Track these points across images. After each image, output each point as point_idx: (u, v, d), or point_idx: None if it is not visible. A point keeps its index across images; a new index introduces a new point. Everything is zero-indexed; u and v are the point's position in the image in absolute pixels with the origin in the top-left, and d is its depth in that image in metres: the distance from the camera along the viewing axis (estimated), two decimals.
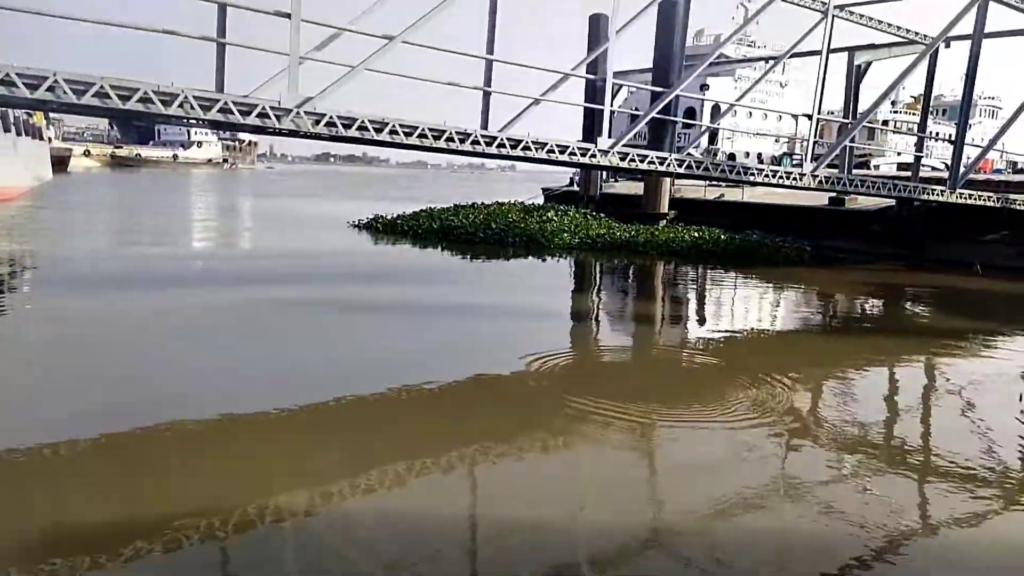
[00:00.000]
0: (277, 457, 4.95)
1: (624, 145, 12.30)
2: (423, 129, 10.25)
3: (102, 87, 7.90)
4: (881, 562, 3.83)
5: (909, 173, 20.26)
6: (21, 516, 3.99)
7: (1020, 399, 7.09)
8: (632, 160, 12.62)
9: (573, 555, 3.87)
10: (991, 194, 18.22)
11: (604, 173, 25.61)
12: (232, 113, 8.76)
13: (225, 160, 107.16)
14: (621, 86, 14.98)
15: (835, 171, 16.92)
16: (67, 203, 29.32)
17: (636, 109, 13.25)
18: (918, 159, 19.55)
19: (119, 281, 11.96)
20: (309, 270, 14.24)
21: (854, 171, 19.63)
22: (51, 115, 53.17)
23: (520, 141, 11.25)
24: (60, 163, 59.63)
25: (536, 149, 11.44)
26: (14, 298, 10.43)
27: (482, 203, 23.34)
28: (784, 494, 4.67)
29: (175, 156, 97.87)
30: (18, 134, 32.10)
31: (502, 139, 11.06)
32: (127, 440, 5.06)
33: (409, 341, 8.54)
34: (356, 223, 22.13)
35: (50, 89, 7.67)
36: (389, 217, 21.80)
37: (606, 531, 4.07)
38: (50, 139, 52.78)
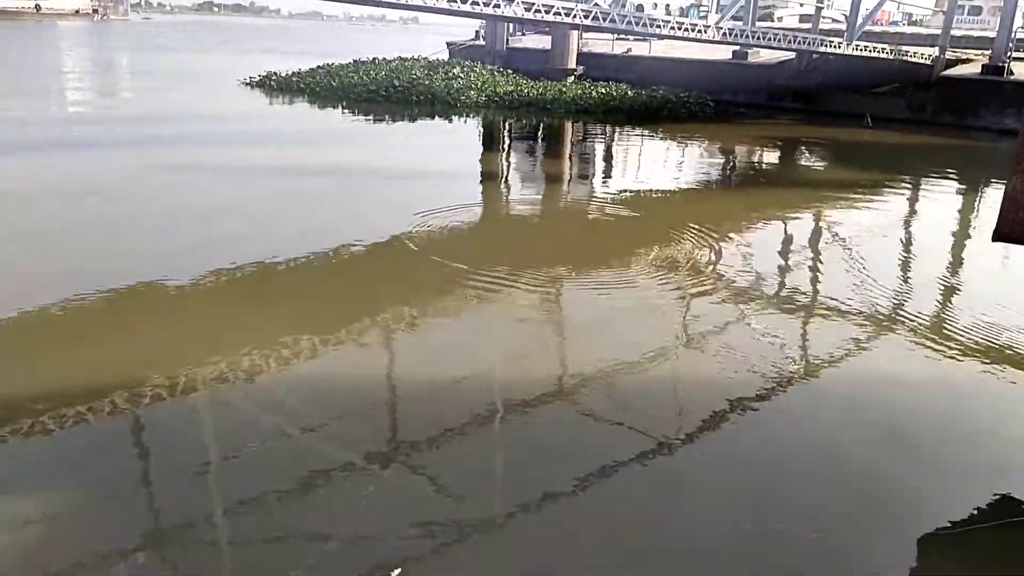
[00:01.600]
0: (183, 331, 4.87)
1: None
2: None
3: None
4: (765, 399, 4.20)
5: (810, 25, 20.49)
6: None
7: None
8: (537, 11, 12.21)
9: (474, 406, 4.05)
10: (885, 46, 18.72)
11: (511, 26, 24.70)
12: None
13: (95, 11, 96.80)
14: None
15: (739, 24, 16.90)
16: None
17: None
18: (819, 11, 19.72)
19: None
20: (198, 133, 13.42)
21: (758, 24, 19.63)
22: None
23: None
24: None
25: None
26: None
27: (383, 59, 22.26)
28: (683, 341, 4.98)
29: (37, 7, 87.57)
30: None
31: None
32: (38, 311, 4.85)
33: (310, 208, 8.34)
34: (247, 80, 20.80)
35: None
36: (284, 74, 20.56)
37: (505, 385, 4.27)
38: None
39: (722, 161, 13.58)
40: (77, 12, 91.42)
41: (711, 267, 6.63)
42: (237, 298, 5.48)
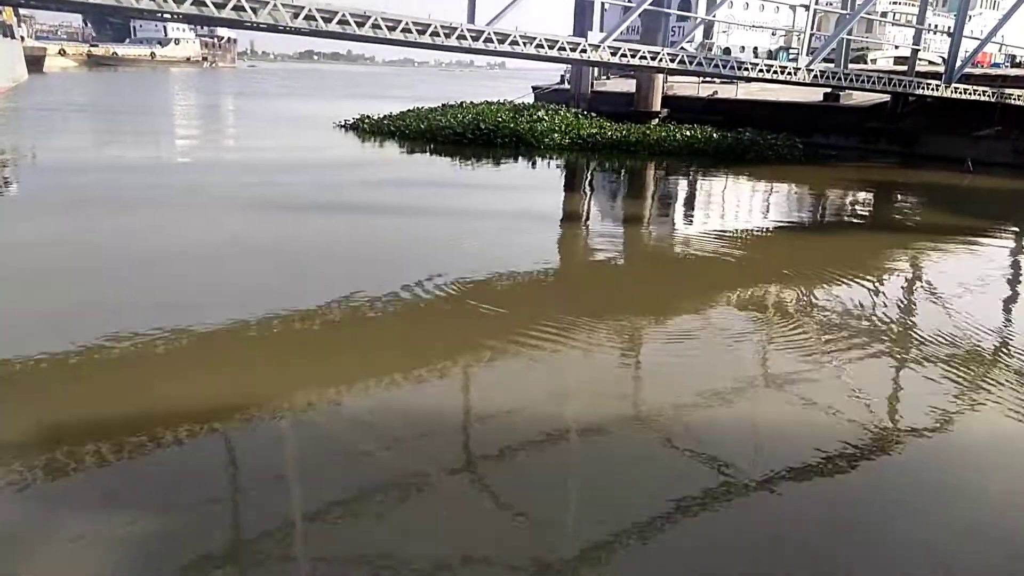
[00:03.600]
0: (276, 361, 5.04)
1: (615, 39, 11.96)
2: (407, 23, 9.91)
3: None
4: (850, 454, 3.99)
5: (906, 68, 19.86)
6: (29, 414, 4.09)
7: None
8: (623, 55, 12.30)
9: (552, 434, 4.01)
10: (987, 89, 17.94)
11: (595, 70, 24.98)
12: (207, 5, 8.43)
13: (204, 58, 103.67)
14: None
15: (831, 66, 16.56)
16: (46, 103, 28.49)
17: (629, 2, 12.74)
18: (915, 52, 19.12)
19: (98, 183, 11.79)
20: (295, 171, 14.04)
21: (850, 66, 19.18)
22: (21, 12, 50.97)
23: (508, 36, 10.92)
24: (35, 63, 57.73)
25: (524, 44, 11.13)
26: None
27: (470, 102, 22.83)
28: (765, 385, 4.81)
29: (152, 54, 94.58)
30: None
31: (489, 33, 10.73)
32: (129, 341, 5.13)
33: (394, 245, 8.55)
34: (342, 123, 21.69)
35: None
36: (375, 117, 21.34)
37: (587, 418, 4.21)
38: (22, 38, 50.79)
39: (812, 204, 13.21)
40: (188, 59, 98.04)
41: (798, 312, 6.41)
42: (330, 330, 5.63)
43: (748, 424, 4.29)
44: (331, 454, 3.76)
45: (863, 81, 16.55)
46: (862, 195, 14.24)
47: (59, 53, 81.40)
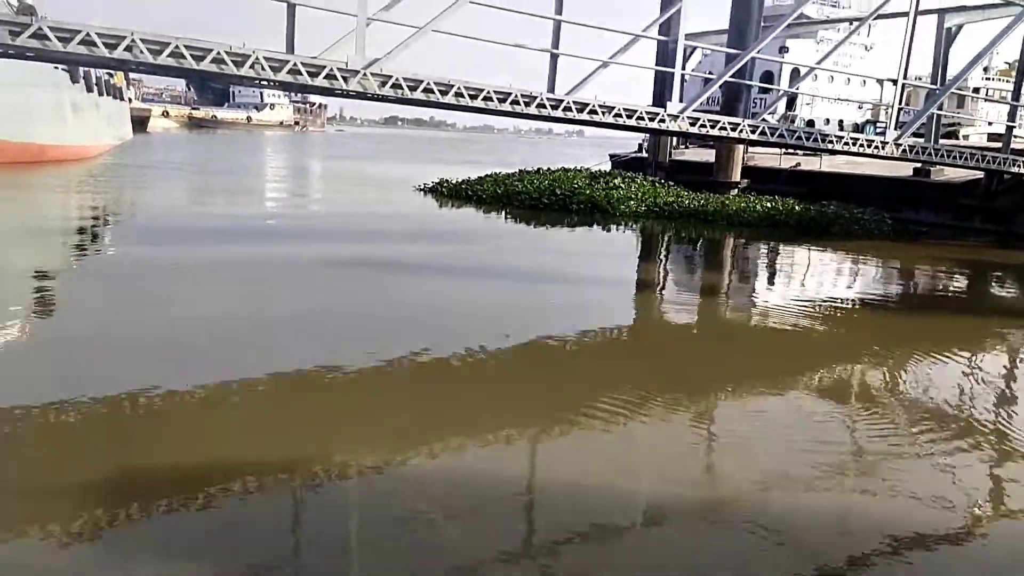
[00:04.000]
0: (348, 412, 5.01)
1: (695, 110, 11.92)
2: (488, 91, 10.11)
3: (177, 47, 8.03)
4: (933, 546, 3.63)
5: (1000, 144, 19.12)
6: (106, 458, 4.15)
7: None
8: (703, 125, 12.22)
9: (630, 516, 3.79)
10: None
11: (674, 139, 24.98)
12: (301, 74, 8.81)
13: (296, 123, 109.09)
14: (694, 48, 14.47)
15: (920, 140, 16.07)
16: (147, 161, 30.33)
17: (710, 73, 12.77)
18: (1010, 129, 18.37)
19: (193, 235, 12.32)
20: (375, 231, 14.37)
21: (941, 141, 18.58)
22: (131, 76, 54.91)
23: (587, 104, 11.01)
24: (140, 123, 61.87)
25: (603, 113, 11.19)
26: (97, 245, 10.86)
27: (547, 168, 23.10)
28: (854, 471, 4.47)
29: (249, 118, 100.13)
30: (100, 94, 33.28)
31: (568, 102, 10.84)
32: (207, 388, 5.20)
33: (467, 306, 8.53)
34: (422, 187, 22.23)
35: (128, 49, 7.82)
36: (454, 181, 21.79)
37: (664, 498, 3.98)
38: (130, 99, 54.61)
39: (900, 282, 12.65)
40: (281, 123, 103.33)
41: (884, 393, 6.02)
42: (398, 384, 5.59)
43: (829, 509, 3.97)
44: (394, 522, 3.65)
45: (955, 157, 15.96)
46: (955, 274, 13.57)
47: (162, 115, 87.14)
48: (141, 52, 7.90)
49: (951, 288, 12.47)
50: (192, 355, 6.11)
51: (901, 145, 14.43)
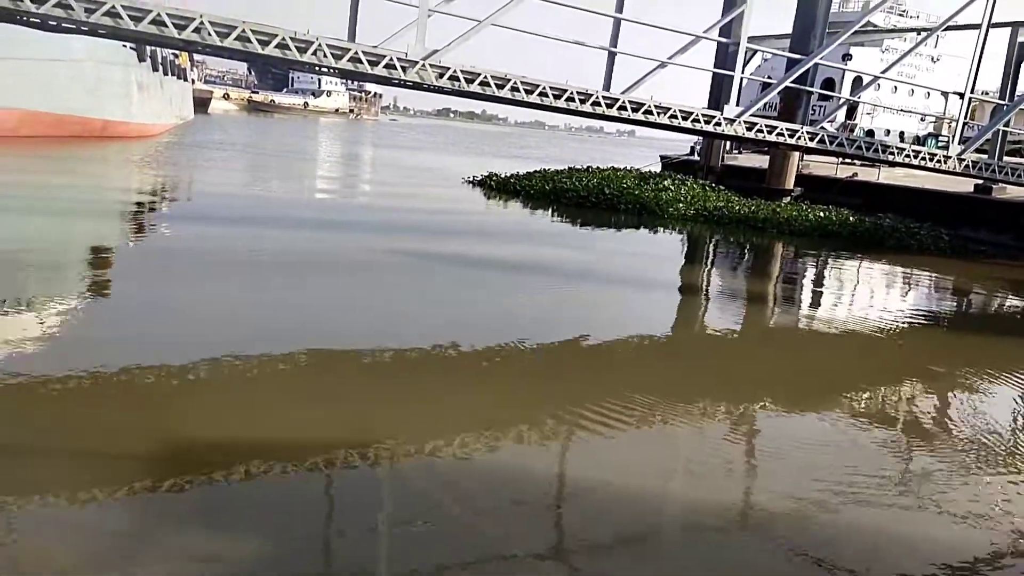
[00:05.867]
0: (384, 401, 5.12)
1: (752, 114, 11.78)
2: (544, 87, 10.15)
3: (243, 31, 8.23)
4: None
5: None
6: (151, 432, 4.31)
7: None
8: (760, 131, 12.08)
9: (655, 523, 3.80)
10: None
11: (728, 144, 24.66)
12: (361, 62, 8.96)
13: (351, 110, 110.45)
14: (755, 52, 14.30)
15: (984, 156, 15.62)
16: (206, 142, 31.09)
17: (769, 78, 12.59)
18: None
19: (245, 218, 12.63)
20: (423, 223, 14.53)
21: (1006, 158, 18.00)
22: (194, 57, 56.30)
23: (642, 104, 10.97)
24: (201, 104, 63.36)
25: (658, 114, 11.14)
26: (154, 220, 11.21)
27: (597, 167, 23.03)
28: (886, 491, 4.40)
29: (306, 104, 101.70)
30: (165, 74, 34.20)
31: (624, 101, 10.82)
32: (243, 369, 5.36)
33: (512, 302, 8.59)
34: (471, 179, 22.36)
35: (196, 30, 8.06)
36: (503, 175, 21.85)
37: (695, 506, 3.97)
38: (193, 81, 55.97)
39: (954, 301, 12.32)
40: (336, 111, 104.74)
41: (928, 416, 5.90)
42: (435, 373, 5.68)
43: (867, 530, 3.92)
44: (424, 507, 3.72)
45: (1019, 175, 15.48)
46: (1012, 297, 13.15)
47: (223, 97, 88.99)
48: (209, 34, 8.13)
49: (1006, 309, 12.10)
50: (238, 333, 6.27)
51: (964, 160, 14.07)
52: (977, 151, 15.15)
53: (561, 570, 3.35)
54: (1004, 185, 17.96)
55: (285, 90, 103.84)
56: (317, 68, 9.43)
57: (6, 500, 3.41)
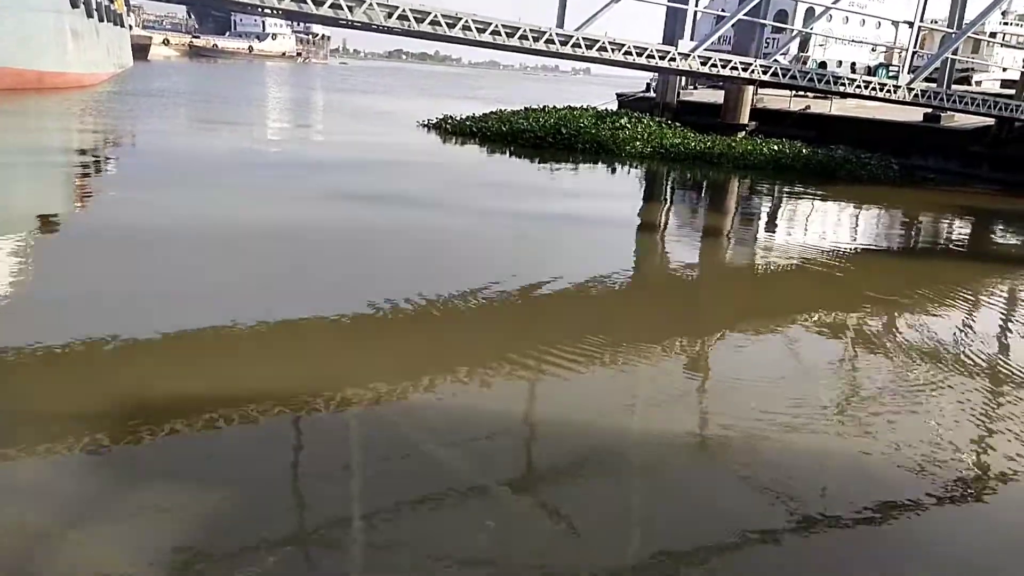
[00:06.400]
0: (354, 348, 5.12)
1: (707, 49, 11.73)
2: (496, 25, 9.95)
3: None
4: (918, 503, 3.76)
5: (1014, 91, 18.83)
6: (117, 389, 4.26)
7: None
8: (714, 65, 12.05)
9: (617, 452, 3.92)
10: None
11: (683, 80, 24.58)
12: (305, 2, 8.65)
13: (299, 54, 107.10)
14: None
15: (933, 85, 15.84)
16: (148, 90, 29.91)
17: (722, 11, 12.49)
18: None
19: (195, 170, 12.28)
20: (377, 171, 14.30)
21: (954, 87, 18.28)
22: (131, 2, 53.71)
23: (596, 41, 10.84)
24: (140, 51, 60.77)
25: (613, 50, 11.03)
26: (101, 182, 10.85)
27: (553, 107, 22.81)
28: (834, 415, 4.59)
29: (250, 48, 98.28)
30: (100, 20, 32.57)
31: (578, 38, 10.67)
32: (220, 323, 5.30)
33: (472, 247, 8.58)
34: (425, 123, 21.98)
35: None
36: (458, 118, 21.53)
37: (654, 437, 4.10)
38: (131, 27, 53.48)
39: (903, 228, 12.65)
40: (283, 54, 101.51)
41: (879, 340, 6.11)
42: (411, 326, 5.69)
43: (816, 455, 4.09)
44: (395, 447, 3.77)
45: (967, 103, 15.77)
46: (959, 222, 13.55)
47: (163, 43, 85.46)
48: None
49: (954, 236, 12.48)
50: (197, 294, 6.18)
51: (913, 89, 14.25)
52: (926, 80, 15.35)
53: (528, 499, 3.44)
54: (952, 113, 18.31)
55: (228, 34, 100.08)
56: (259, 9, 9.09)
57: None
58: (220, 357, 4.83)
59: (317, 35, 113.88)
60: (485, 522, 3.21)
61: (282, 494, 3.36)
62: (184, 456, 3.61)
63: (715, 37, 11.88)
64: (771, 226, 11.68)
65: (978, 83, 35.65)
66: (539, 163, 16.46)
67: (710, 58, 12.00)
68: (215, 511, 3.16)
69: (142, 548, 2.90)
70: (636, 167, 16.79)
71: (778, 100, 22.95)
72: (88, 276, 6.27)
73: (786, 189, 15.24)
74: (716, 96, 22.60)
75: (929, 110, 18.86)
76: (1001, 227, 13.63)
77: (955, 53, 16.31)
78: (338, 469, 3.56)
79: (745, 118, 21.03)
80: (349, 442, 3.87)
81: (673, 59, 11.59)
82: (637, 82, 31.31)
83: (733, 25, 13.85)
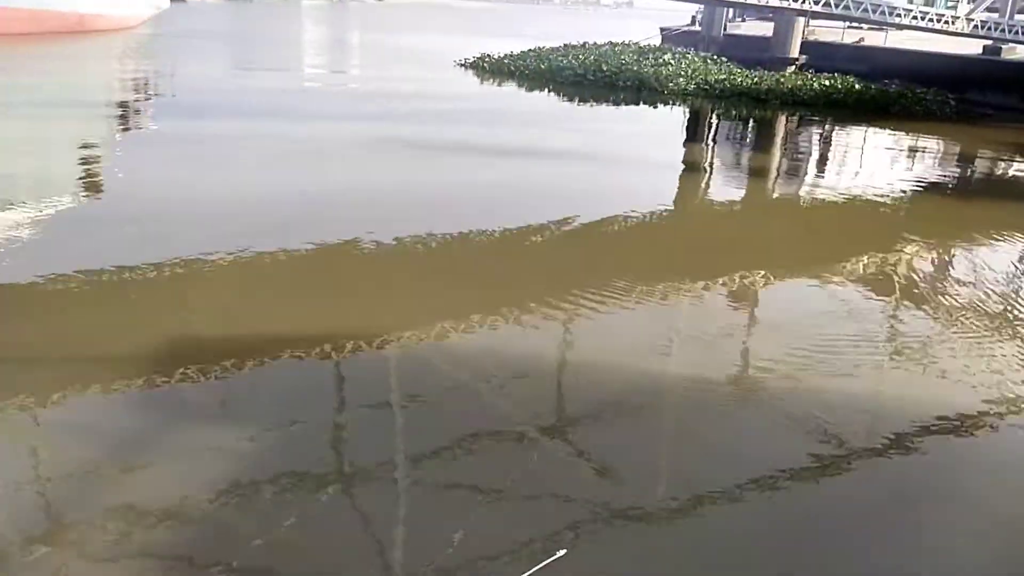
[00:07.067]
0: (395, 284, 5.17)
1: None
2: None
3: None
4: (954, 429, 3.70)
5: None
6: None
7: None
8: None
9: (652, 391, 3.93)
10: None
11: (730, 12, 23.66)
12: None
13: None
14: None
15: (994, 16, 15.01)
16: (187, 32, 29.91)
17: None
18: None
19: (234, 109, 12.33)
20: (414, 110, 14.18)
21: (1017, 16, 17.28)
22: None
23: None
24: None
25: None
26: (139, 119, 10.97)
27: (594, 43, 22.21)
28: (878, 352, 4.51)
29: None
30: None
31: None
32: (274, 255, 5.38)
33: (508, 188, 8.51)
34: (462, 62, 21.62)
35: None
36: (496, 56, 21.12)
37: (693, 375, 4.09)
38: None
39: (959, 166, 12.17)
40: None
41: (927, 281, 5.96)
42: (439, 266, 5.71)
43: (863, 394, 4.05)
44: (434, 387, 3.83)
45: None
46: (1020, 158, 12.98)
47: None
48: None
49: (1011, 174, 11.97)
50: (237, 226, 6.25)
51: (973, 20, 13.52)
52: (988, 10, 14.55)
53: (562, 439, 3.48)
54: (1014, 45, 17.36)
55: None
56: None
57: (23, 402, 3.52)
58: (259, 288, 4.91)
59: None
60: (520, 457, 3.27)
61: (321, 432, 3.45)
62: (228, 395, 3.72)
63: None
64: (821, 164, 11.33)
65: None
66: (578, 101, 16.12)
67: None
68: (261, 451, 3.26)
69: (202, 483, 3.01)
70: (680, 104, 16.34)
71: (831, 33, 22.00)
72: (128, 209, 6.38)
73: (837, 125, 14.73)
74: (765, 29, 21.73)
75: (989, 42, 17.92)
76: None
77: None
78: (377, 404, 3.64)
79: (795, 51, 20.20)
80: (401, 379, 3.94)
81: None
82: (681, 15, 30.24)
83: None
